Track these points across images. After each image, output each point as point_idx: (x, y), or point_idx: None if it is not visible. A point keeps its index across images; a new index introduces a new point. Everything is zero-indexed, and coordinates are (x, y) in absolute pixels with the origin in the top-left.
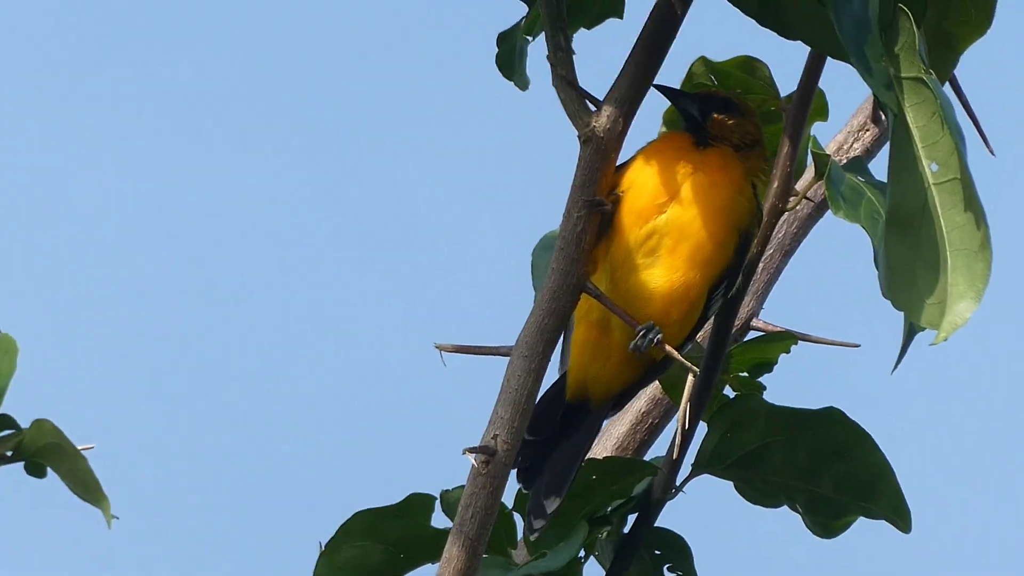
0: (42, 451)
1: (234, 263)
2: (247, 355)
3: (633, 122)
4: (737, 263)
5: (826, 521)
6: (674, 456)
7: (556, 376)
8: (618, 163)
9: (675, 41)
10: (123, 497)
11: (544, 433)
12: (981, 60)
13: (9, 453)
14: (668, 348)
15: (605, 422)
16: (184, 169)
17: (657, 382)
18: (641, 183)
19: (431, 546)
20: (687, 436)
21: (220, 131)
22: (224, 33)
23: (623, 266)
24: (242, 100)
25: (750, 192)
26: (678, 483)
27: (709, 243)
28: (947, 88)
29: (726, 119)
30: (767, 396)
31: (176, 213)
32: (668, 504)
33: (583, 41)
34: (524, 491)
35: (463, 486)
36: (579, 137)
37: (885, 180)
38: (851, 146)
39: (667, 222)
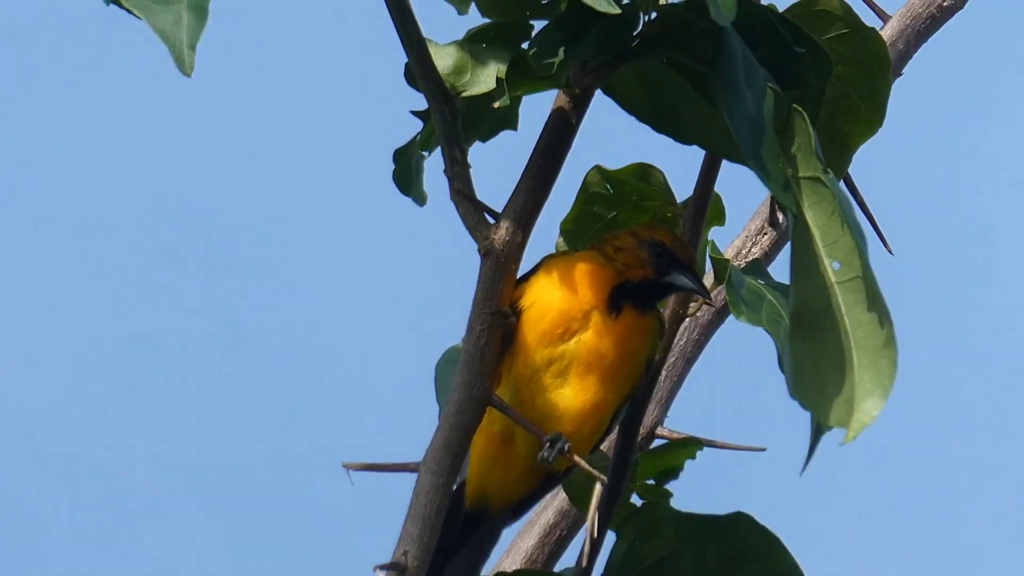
0: None
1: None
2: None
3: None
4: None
5: None
6: (584, 565)
7: None
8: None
9: (571, 150)
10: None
11: (442, 542)
12: (875, 158)
13: None
14: (577, 459)
15: (512, 533)
16: None
17: (564, 493)
18: (546, 304)
19: None
20: (596, 546)
21: None
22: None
23: (530, 383)
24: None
25: (657, 325)
26: None
27: (619, 373)
28: (843, 187)
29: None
30: (675, 503)
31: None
32: None
33: (479, 154)
34: None
35: None
36: (479, 250)
37: (785, 282)
38: (749, 250)
39: (576, 351)
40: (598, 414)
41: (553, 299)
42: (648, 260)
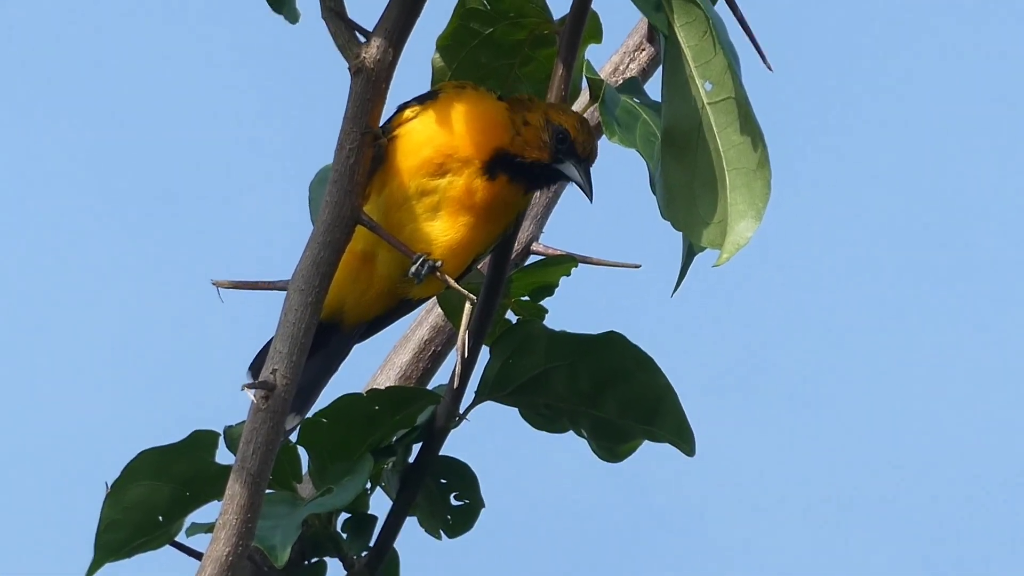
0: None
1: None
2: (18, 300)
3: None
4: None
5: (611, 445)
6: (456, 384)
7: None
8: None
9: None
10: None
11: None
12: None
13: None
14: (447, 278)
15: (386, 348)
16: None
17: (439, 309)
18: (431, 135)
19: (216, 483)
20: (468, 363)
21: None
22: None
23: (401, 209)
24: None
25: (524, 201)
26: (462, 411)
27: (487, 223)
28: (721, 5)
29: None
30: (550, 320)
31: None
32: (453, 432)
33: None
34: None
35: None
36: (349, 69)
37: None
38: (627, 67)
39: (448, 192)
40: (467, 250)
41: (440, 133)
42: (548, 144)
